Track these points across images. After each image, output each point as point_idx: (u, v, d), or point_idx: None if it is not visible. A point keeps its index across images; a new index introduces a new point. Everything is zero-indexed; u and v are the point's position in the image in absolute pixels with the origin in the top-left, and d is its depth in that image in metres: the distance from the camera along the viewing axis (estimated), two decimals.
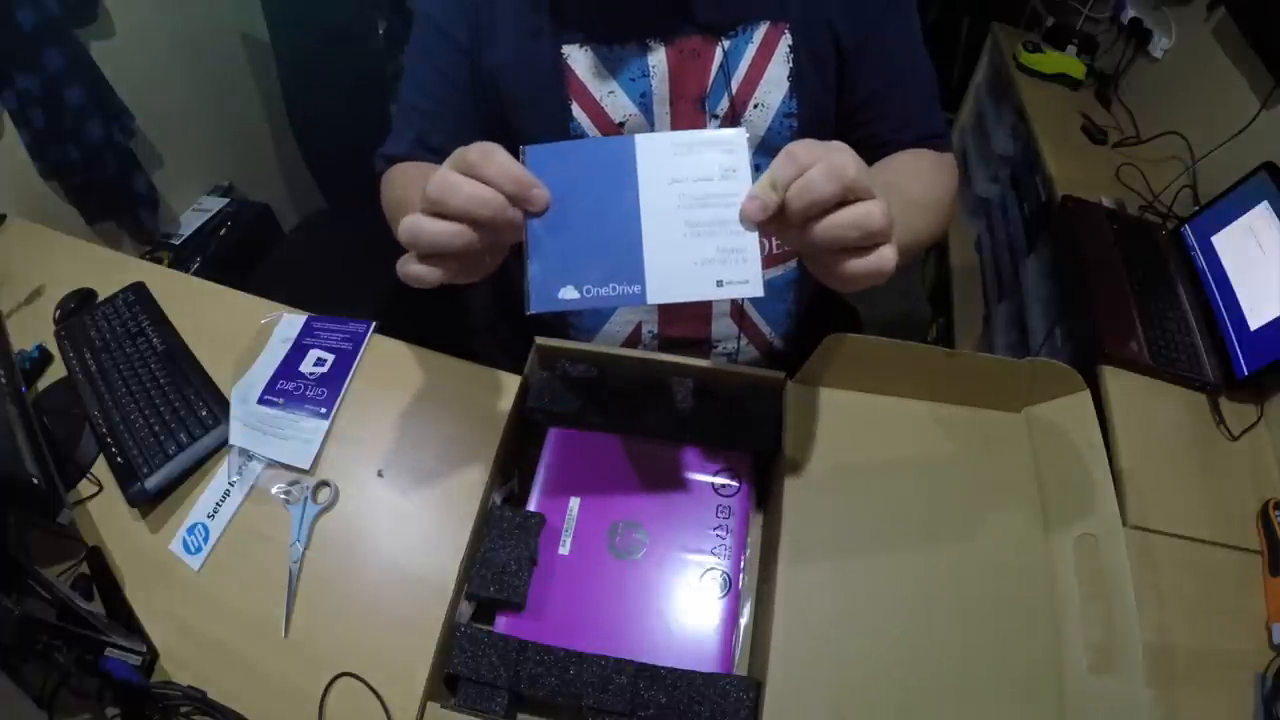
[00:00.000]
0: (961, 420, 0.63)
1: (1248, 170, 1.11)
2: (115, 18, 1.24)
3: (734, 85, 0.67)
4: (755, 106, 0.68)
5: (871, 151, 0.71)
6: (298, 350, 0.83)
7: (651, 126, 0.68)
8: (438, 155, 0.69)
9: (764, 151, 0.71)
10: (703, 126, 0.68)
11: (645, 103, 0.67)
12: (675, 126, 0.69)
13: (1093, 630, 0.51)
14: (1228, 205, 1.13)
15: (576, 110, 0.67)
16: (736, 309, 0.77)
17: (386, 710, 0.59)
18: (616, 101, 0.67)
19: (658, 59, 0.66)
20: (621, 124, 0.68)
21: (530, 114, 0.69)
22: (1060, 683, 0.51)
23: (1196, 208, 1.25)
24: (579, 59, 0.66)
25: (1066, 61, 1.59)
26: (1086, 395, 0.59)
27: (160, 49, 1.36)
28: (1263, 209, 1.06)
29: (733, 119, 0.68)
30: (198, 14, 1.41)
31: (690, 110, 0.68)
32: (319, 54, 1.39)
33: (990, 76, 1.87)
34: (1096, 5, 1.66)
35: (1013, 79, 1.61)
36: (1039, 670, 0.52)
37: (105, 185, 1.24)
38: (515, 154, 0.43)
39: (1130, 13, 1.54)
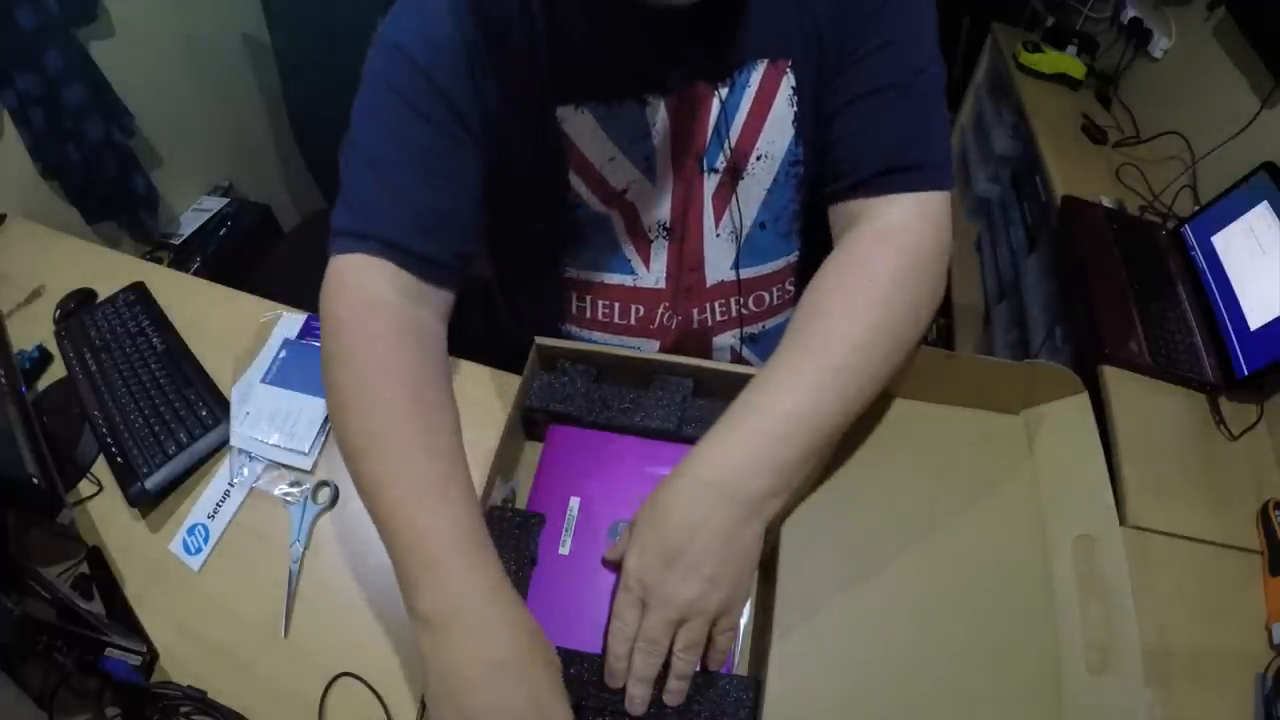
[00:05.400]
0: (961, 421, 0.63)
1: (1248, 170, 1.11)
2: (115, 18, 1.24)
3: (733, 137, 0.60)
4: (759, 158, 0.62)
5: (831, 184, 0.60)
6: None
7: (652, 184, 0.64)
8: (401, 257, 0.55)
9: (766, 209, 0.66)
10: (700, 184, 0.64)
11: (649, 164, 0.62)
12: (676, 187, 0.64)
13: (1091, 631, 0.51)
14: (1228, 205, 1.13)
15: (575, 181, 0.62)
16: (736, 358, 0.76)
17: (386, 710, 0.59)
18: (618, 168, 0.61)
19: (658, 114, 0.59)
20: (623, 191, 0.63)
21: (523, 185, 0.62)
22: (1059, 683, 0.51)
23: (1196, 208, 1.25)
24: (575, 123, 0.59)
25: (1066, 61, 1.59)
26: (1085, 398, 0.59)
27: (160, 49, 1.36)
28: (1263, 209, 1.06)
29: (733, 173, 0.63)
30: (198, 14, 1.41)
31: (689, 166, 0.62)
32: (319, 54, 1.39)
33: (990, 76, 1.87)
34: (1096, 5, 1.67)
35: (1013, 79, 1.61)
36: (1038, 671, 0.52)
37: (105, 185, 1.24)
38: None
39: (1130, 13, 1.54)
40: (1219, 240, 1.13)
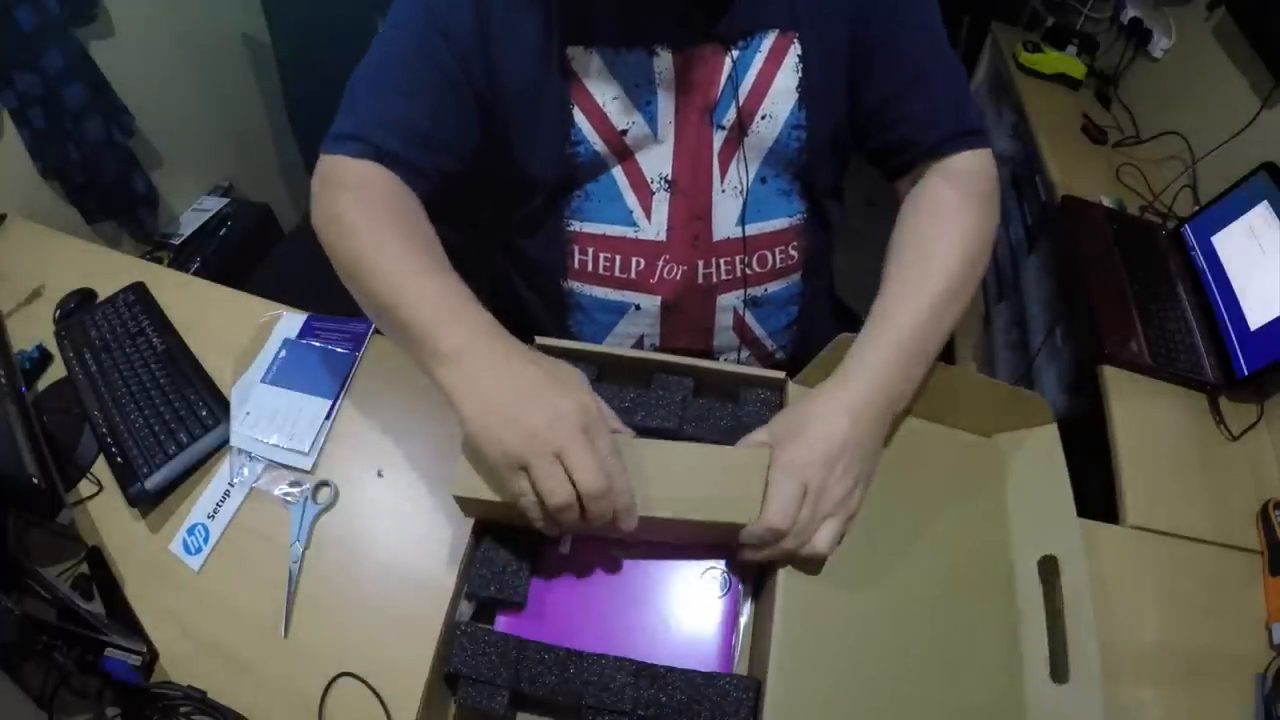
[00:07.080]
0: (938, 439, 0.65)
1: (1248, 170, 1.10)
2: (115, 18, 1.24)
3: (741, 96, 0.66)
4: (763, 118, 0.67)
5: (897, 156, 0.69)
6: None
7: (655, 135, 0.68)
8: (395, 166, 0.64)
9: (770, 163, 0.70)
10: (708, 138, 0.68)
11: (650, 111, 0.66)
12: (679, 137, 0.68)
13: (1053, 643, 0.54)
14: (1228, 205, 1.13)
15: (578, 115, 0.66)
16: (739, 321, 0.77)
17: (386, 710, 0.59)
18: (620, 108, 0.66)
19: (665, 65, 0.65)
20: (624, 132, 0.67)
21: (529, 115, 0.67)
22: (1023, 695, 0.54)
23: (1196, 208, 1.25)
24: (584, 61, 0.65)
25: (1066, 61, 1.59)
26: (1054, 428, 0.62)
27: (160, 49, 1.36)
28: (1263, 209, 1.06)
29: (739, 129, 0.67)
30: (198, 14, 1.41)
31: (696, 120, 0.67)
32: (319, 54, 1.40)
33: (990, 76, 1.87)
34: (1096, 5, 1.66)
35: (1013, 79, 1.61)
36: (1003, 682, 0.54)
37: (105, 185, 1.24)
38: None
39: (1130, 13, 1.54)
40: (1219, 240, 1.13)
